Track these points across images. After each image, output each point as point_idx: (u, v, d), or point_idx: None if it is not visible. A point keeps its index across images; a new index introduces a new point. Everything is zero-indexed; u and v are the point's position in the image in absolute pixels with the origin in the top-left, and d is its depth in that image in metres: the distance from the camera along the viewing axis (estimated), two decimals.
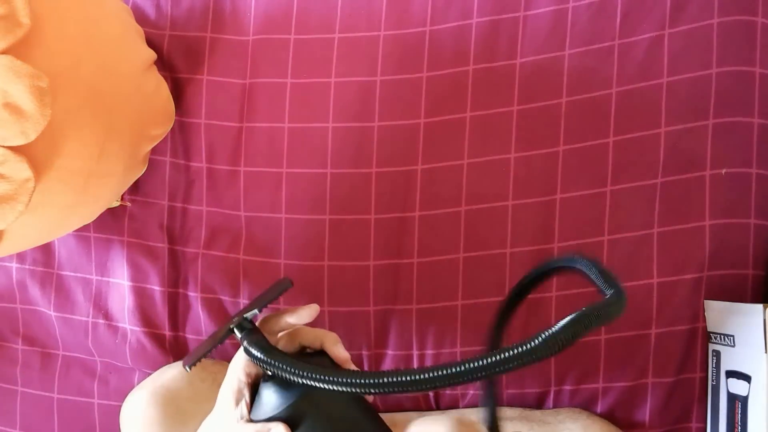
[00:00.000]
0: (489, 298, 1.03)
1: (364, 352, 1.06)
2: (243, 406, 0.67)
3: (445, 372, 0.50)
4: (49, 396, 1.13)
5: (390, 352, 1.06)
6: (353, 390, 0.54)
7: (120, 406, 1.01)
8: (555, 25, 1.03)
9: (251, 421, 0.66)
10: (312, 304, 0.70)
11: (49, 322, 1.12)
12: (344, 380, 0.54)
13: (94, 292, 1.10)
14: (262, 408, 0.66)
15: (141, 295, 1.09)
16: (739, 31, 1.01)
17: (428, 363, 1.05)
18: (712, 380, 1.01)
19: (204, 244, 1.08)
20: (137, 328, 1.09)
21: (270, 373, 0.65)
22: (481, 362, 0.49)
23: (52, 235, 0.95)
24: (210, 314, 1.08)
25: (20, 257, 1.10)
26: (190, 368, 0.65)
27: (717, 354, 1.00)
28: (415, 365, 1.05)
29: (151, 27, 1.07)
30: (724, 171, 1.01)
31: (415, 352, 1.05)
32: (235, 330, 0.66)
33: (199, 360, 0.66)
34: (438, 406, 1.08)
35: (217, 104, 1.07)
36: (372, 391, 0.53)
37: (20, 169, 0.71)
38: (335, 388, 0.55)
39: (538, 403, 1.06)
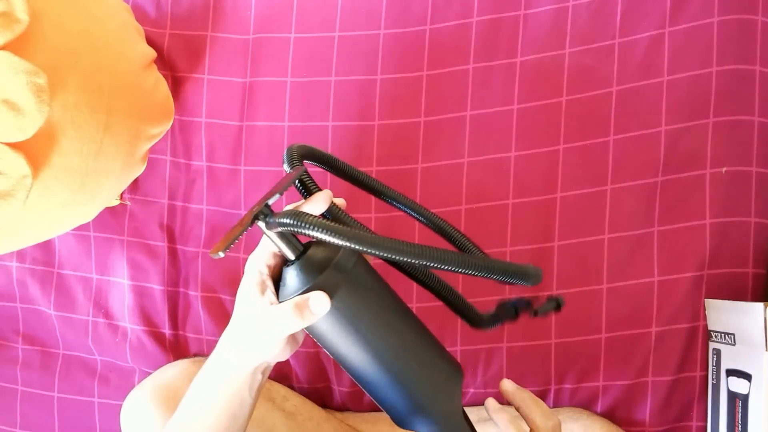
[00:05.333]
0: (489, 297, 1.03)
1: None
2: (270, 294, 0.65)
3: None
4: (50, 395, 1.13)
5: None
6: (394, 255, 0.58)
7: (120, 405, 1.01)
8: (555, 23, 1.04)
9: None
10: (325, 190, 0.67)
11: (49, 321, 1.12)
12: (391, 246, 0.58)
13: (94, 291, 1.10)
14: (288, 290, 0.64)
15: (141, 294, 1.09)
16: (739, 30, 1.01)
17: None
18: (713, 379, 1.01)
19: (204, 242, 1.08)
20: (137, 327, 1.09)
21: (292, 257, 0.65)
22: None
23: (51, 233, 0.95)
24: (210, 313, 1.08)
25: (20, 256, 1.10)
26: (224, 253, 0.61)
27: (717, 352, 1.00)
28: None
29: (152, 25, 1.07)
30: (724, 169, 1.01)
31: None
32: (259, 217, 0.64)
33: (230, 245, 0.62)
34: None
35: (217, 103, 1.07)
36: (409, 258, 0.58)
37: (18, 165, 0.71)
38: (381, 253, 0.58)
39: None
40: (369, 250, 0.58)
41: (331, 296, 0.62)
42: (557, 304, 0.74)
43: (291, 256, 0.65)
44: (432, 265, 0.59)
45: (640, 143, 1.02)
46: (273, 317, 0.62)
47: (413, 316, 0.70)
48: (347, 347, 0.65)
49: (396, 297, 0.70)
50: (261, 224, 0.64)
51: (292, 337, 0.67)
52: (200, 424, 0.69)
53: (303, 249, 0.66)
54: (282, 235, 0.65)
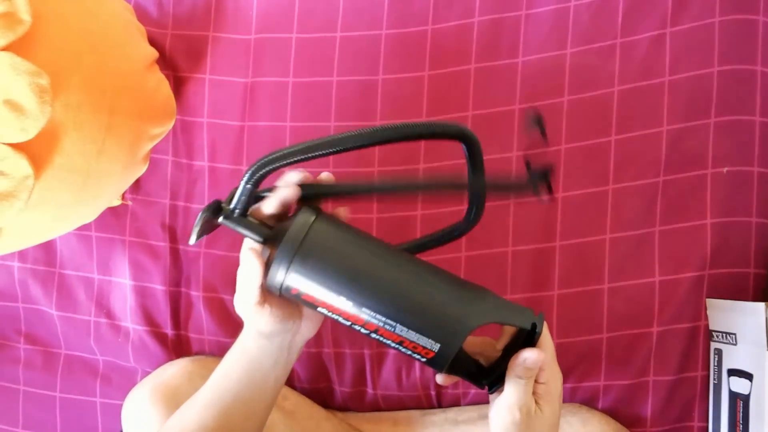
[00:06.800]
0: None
1: (366, 351, 1.06)
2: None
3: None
4: (52, 395, 1.13)
5: (393, 351, 1.06)
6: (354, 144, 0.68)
7: (122, 405, 1.01)
8: (557, 23, 1.04)
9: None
10: (289, 188, 0.71)
11: (52, 321, 1.12)
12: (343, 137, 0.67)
13: (96, 291, 1.10)
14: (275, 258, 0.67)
15: (143, 294, 1.09)
16: (740, 30, 1.01)
17: None
18: (714, 379, 1.01)
19: (206, 243, 1.08)
20: (139, 327, 1.09)
21: (261, 238, 0.69)
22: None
23: (53, 233, 0.95)
24: (212, 313, 1.08)
25: (22, 256, 1.10)
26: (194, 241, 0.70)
27: (719, 352, 1.00)
28: (418, 363, 1.05)
29: (153, 25, 1.07)
30: (725, 169, 1.01)
31: None
32: (218, 214, 0.70)
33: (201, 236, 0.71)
34: (440, 404, 1.08)
35: (219, 103, 1.07)
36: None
37: (20, 166, 0.71)
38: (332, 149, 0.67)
39: None
40: (338, 147, 0.67)
41: (312, 233, 0.65)
42: (545, 171, 0.74)
43: (260, 237, 0.69)
44: (373, 141, 0.68)
45: (642, 143, 1.02)
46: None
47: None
48: (363, 283, 0.65)
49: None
50: (225, 222, 0.70)
51: (299, 311, 0.72)
52: (219, 387, 0.76)
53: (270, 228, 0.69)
54: (247, 224, 0.69)
